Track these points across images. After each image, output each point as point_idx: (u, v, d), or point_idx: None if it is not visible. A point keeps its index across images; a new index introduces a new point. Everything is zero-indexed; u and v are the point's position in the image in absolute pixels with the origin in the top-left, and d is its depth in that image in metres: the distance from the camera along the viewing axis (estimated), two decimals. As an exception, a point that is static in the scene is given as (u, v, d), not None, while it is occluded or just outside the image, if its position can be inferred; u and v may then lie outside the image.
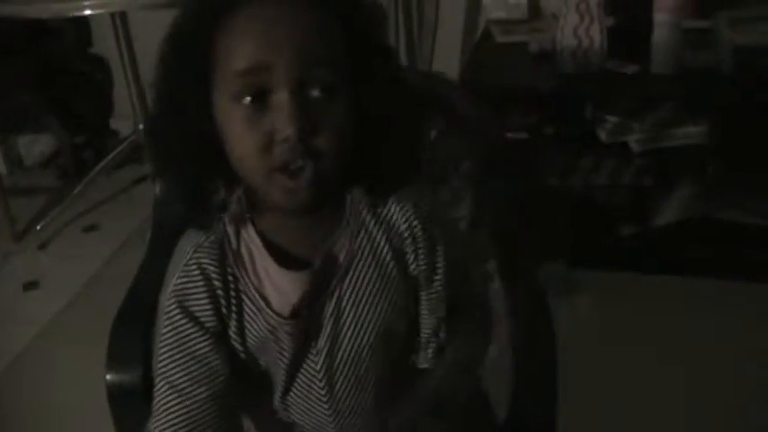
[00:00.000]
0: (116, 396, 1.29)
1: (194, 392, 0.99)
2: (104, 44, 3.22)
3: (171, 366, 1.00)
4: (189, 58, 0.95)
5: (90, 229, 3.03)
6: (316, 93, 0.92)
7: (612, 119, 2.54)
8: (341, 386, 1.06)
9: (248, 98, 0.92)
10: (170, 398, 0.99)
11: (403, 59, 2.86)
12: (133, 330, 1.32)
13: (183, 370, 1.00)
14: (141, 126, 3.02)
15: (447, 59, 2.79)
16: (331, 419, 1.08)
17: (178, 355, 1.00)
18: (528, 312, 1.32)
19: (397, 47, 2.91)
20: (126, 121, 3.27)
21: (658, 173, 2.54)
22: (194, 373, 1.00)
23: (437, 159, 1.57)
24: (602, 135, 2.57)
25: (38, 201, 3.17)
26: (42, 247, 2.96)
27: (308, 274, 1.01)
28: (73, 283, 2.73)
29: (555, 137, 2.60)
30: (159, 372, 1.01)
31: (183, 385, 0.99)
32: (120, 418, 1.28)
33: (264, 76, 0.91)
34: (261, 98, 0.92)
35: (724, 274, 2.48)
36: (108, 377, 1.29)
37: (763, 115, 2.33)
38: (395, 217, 1.05)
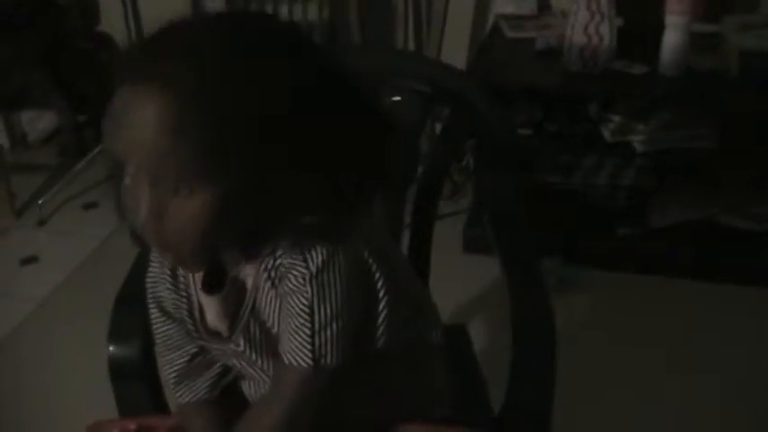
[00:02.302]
0: (116, 368, 1.30)
1: (170, 357, 1.17)
2: (111, 22, 3.21)
3: (157, 342, 1.18)
4: None
5: (90, 206, 3.03)
6: (168, 187, 0.88)
7: (617, 118, 2.55)
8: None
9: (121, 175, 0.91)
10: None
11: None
12: (134, 305, 1.33)
13: (161, 344, 1.18)
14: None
15: (455, 53, 2.79)
16: None
17: (157, 335, 1.17)
18: (528, 308, 1.32)
19: (406, 40, 2.92)
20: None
21: (660, 174, 2.54)
22: (169, 347, 1.17)
23: (440, 152, 1.58)
24: (606, 134, 2.57)
25: (39, 177, 3.17)
26: (42, 223, 2.96)
27: (218, 298, 1.08)
28: (71, 259, 2.74)
29: (559, 134, 2.60)
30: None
31: (163, 353, 1.18)
32: (120, 390, 1.29)
33: (120, 164, 0.90)
34: None
35: (721, 277, 2.50)
36: (110, 350, 1.30)
37: (766, 120, 2.34)
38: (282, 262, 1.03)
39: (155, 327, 1.17)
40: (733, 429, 2.05)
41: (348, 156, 0.94)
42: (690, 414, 2.08)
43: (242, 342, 1.09)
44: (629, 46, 2.39)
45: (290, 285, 1.01)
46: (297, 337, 1.02)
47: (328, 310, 1.01)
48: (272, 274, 1.02)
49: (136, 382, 1.29)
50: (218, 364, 1.18)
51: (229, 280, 1.06)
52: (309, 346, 1.02)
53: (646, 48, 2.36)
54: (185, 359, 1.17)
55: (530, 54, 2.51)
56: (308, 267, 0.99)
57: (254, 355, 1.10)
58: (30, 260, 2.77)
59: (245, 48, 0.89)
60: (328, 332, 1.02)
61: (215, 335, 1.11)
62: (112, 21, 3.16)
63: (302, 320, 1.01)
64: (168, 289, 1.12)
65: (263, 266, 1.03)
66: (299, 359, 1.03)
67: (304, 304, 1.01)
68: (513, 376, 1.28)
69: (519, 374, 1.28)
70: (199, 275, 1.09)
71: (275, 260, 1.02)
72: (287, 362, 1.04)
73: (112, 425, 1.22)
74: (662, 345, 2.29)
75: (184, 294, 1.12)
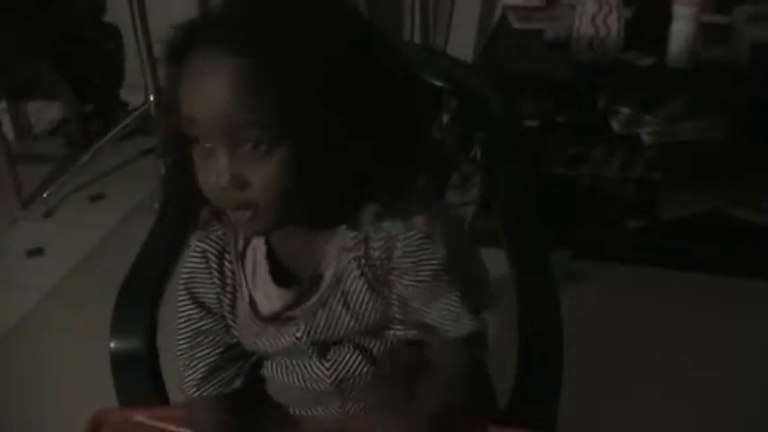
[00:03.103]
0: (119, 363, 1.29)
1: (202, 354, 1.13)
2: (118, 13, 3.20)
3: (182, 341, 1.13)
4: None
5: (96, 198, 3.03)
6: (247, 147, 0.91)
7: (625, 110, 2.53)
8: (336, 358, 1.12)
9: (197, 140, 0.94)
10: (183, 359, 1.14)
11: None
12: (137, 299, 1.33)
13: (191, 341, 1.13)
14: (152, 97, 3.01)
15: (462, 45, 2.78)
16: (331, 387, 1.13)
17: (187, 333, 1.13)
18: (536, 300, 1.32)
19: (413, 31, 2.90)
20: (136, 91, 3.27)
21: (669, 166, 2.53)
22: (201, 344, 1.13)
23: (448, 143, 1.57)
24: (615, 126, 2.56)
25: (45, 168, 3.17)
26: (48, 214, 2.96)
27: (293, 291, 1.07)
28: (77, 250, 2.73)
29: (567, 126, 2.59)
30: (176, 349, 1.14)
31: (193, 351, 1.13)
32: (122, 385, 1.29)
33: (198, 128, 0.92)
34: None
35: (731, 271, 2.47)
36: (112, 345, 1.30)
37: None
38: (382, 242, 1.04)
39: (186, 322, 1.12)
40: (737, 422, 2.03)
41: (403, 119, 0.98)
42: (698, 408, 2.06)
43: (302, 329, 1.08)
44: (637, 37, 2.37)
45: (408, 261, 1.03)
46: (447, 305, 1.06)
47: (460, 267, 1.06)
48: (363, 262, 1.04)
49: (138, 373, 1.28)
50: (246, 356, 1.16)
51: (309, 275, 1.07)
52: (466, 308, 1.07)
53: (654, 39, 2.34)
54: (219, 350, 1.14)
55: (538, 45, 2.50)
56: (416, 234, 1.02)
57: (308, 342, 1.09)
58: (36, 251, 2.77)
59: (313, 11, 0.93)
60: (472, 287, 1.08)
61: (270, 321, 1.09)
62: (118, 11, 3.16)
63: (443, 288, 1.05)
64: (213, 283, 1.10)
65: (349, 259, 1.04)
66: (453, 327, 1.07)
67: (434, 269, 1.03)
68: (521, 370, 1.28)
69: (526, 368, 1.27)
70: (260, 271, 1.08)
71: (367, 249, 1.03)
72: (448, 335, 1.08)
73: (116, 413, 1.21)
74: (671, 338, 2.27)
75: (230, 288, 1.10)
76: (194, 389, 1.14)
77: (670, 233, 2.57)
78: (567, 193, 2.52)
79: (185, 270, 1.12)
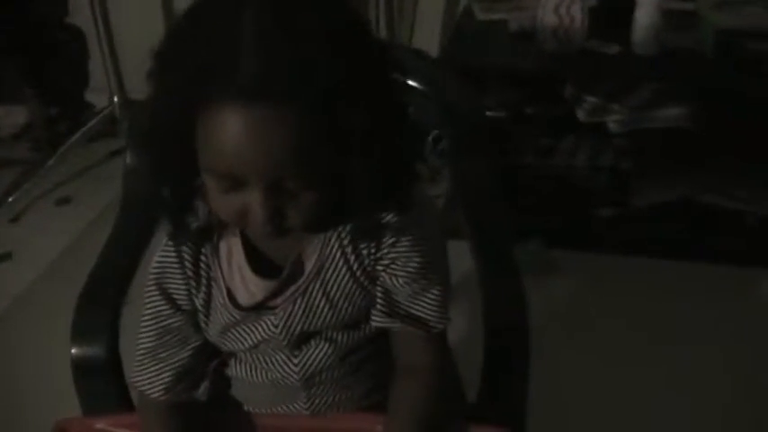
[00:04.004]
0: (80, 370, 1.27)
1: (167, 354, 1.12)
2: (80, 14, 3.17)
3: (147, 337, 1.12)
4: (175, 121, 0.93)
5: (63, 202, 2.99)
6: (290, 185, 0.92)
7: (592, 99, 2.53)
8: (306, 353, 1.12)
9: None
10: (145, 359, 1.13)
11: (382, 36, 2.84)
12: (98, 304, 1.31)
13: (157, 340, 1.12)
14: (116, 99, 2.99)
15: (427, 36, 2.76)
16: (299, 383, 1.14)
17: (153, 329, 1.12)
18: (502, 293, 1.31)
19: (377, 23, 2.88)
20: (101, 93, 3.24)
21: (638, 155, 2.53)
22: (168, 343, 1.12)
23: (414, 136, 1.55)
24: (581, 115, 2.55)
25: (10, 173, 3.11)
26: (15, 219, 2.92)
27: (275, 282, 1.07)
28: (45, 255, 2.70)
29: (535, 116, 2.59)
30: (138, 343, 1.13)
31: (157, 351, 1.12)
32: (84, 392, 1.27)
33: (236, 180, 0.92)
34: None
35: (702, 257, 2.49)
36: (73, 351, 1.28)
37: (743, 99, 2.32)
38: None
39: (153, 318, 1.11)
40: (715, 409, 2.04)
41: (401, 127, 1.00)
42: (677, 394, 2.07)
43: (280, 317, 1.08)
44: (602, 26, 2.37)
45: (398, 252, 1.05)
46: (427, 299, 1.09)
47: (441, 267, 1.11)
48: (349, 251, 1.06)
49: (100, 380, 1.27)
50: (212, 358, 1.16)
51: (290, 263, 1.07)
52: (446, 301, 1.10)
53: (619, 27, 2.34)
54: (189, 354, 1.12)
55: (503, 36, 2.49)
56: (406, 227, 1.05)
57: (284, 333, 1.09)
58: (4, 257, 2.73)
59: (347, 54, 0.90)
60: (447, 288, 1.11)
61: (250, 310, 1.08)
62: (80, 13, 3.13)
63: (429, 281, 1.08)
64: (186, 279, 1.09)
65: (331, 245, 1.06)
66: (437, 320, 1.10)
67: (422, 262, 1.06)
68: (488, 364, 1.27)
69: (493, 364, 1.27)
70: (237, 262, 1.07)
71: (351, 238, 1.05)
72: (428, 325, 1.09)
73: (78, 423, 1.19)
74: (645, 326, 2.27)
75: (205, 282, 1.09)
76: (161, 392, 1.12)
77: (641, 221, 2.58)
78: (538, 184, 2.52)
79: (157, 264, 1.10)
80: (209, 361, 1.16)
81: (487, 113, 2.36)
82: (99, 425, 1.17)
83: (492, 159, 1.45)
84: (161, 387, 1.12)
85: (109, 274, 1.35)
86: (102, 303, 1.29)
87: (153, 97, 0.96)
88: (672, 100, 2.52)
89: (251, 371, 1.16)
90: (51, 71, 3.26)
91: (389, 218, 1.05)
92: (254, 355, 1.15)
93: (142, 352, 1.13)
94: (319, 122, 0.89)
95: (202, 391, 1.16)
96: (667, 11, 2.31)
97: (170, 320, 1.11)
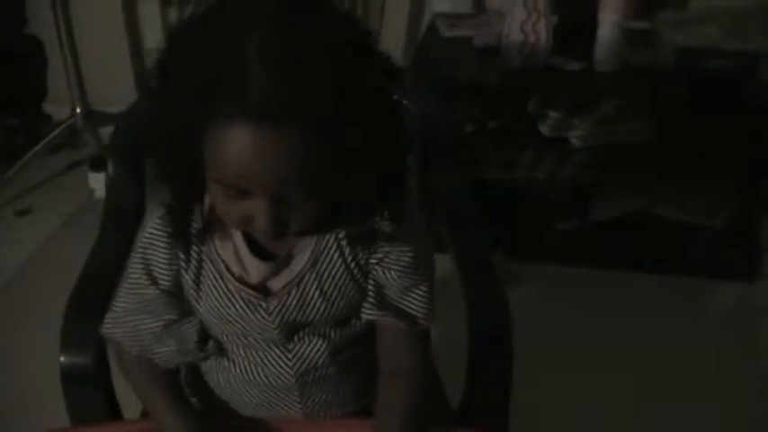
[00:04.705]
0: (69, 379, 1.27)
1: (142, 318, 1.14)
2: (39, 25, 3.15)
3: (123, 301, 1.15)
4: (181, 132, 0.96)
5: (23, 213, 2.96)
6: (292, 196, 0.96)
7: (554, 114, 2.58)
8: (299, 349, 1.15)
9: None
10: (122, 316, 1.15)
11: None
12: (87, 313, 1.30)
13: (133, 305, 1.14)
14: (79, 110, 2.97)
15: (391, 52, 2.79)
16: (293, 380, 1.16)
17: (129, 297, 1.14)
18: (486, 302, 1.34)
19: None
20: (60, 105, 3.22)
21: (599, 169, 2.58)
22: (143, 310, 1.14)
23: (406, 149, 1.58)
24: (544, 130, 2.60)
25: (-31, 184, 3.08)
26: (-26, 231, 2.88)
27: (271, 265, 1.09)
28: (5, 268, 2.66)
29: (500, 131, 2.63)
30: (114, 303, 1.16)
31: (134, 312, 1.14)
32: (72, 401, 1.27)
33: (242, 190, 0.96)
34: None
35: (660, 269, 2.56)
36: (62, 359, 1.27)
37: (701, 115, 2.39)
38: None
39: (132, 289, 1.14)
40: (674, 413, 2.09)
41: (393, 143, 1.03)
42: (633, 404, 2.12)
43: (274, 306, 1.10)
44: (566, 43, 2.42)
45: (391, 248, 1.10)
46: (416, 294, 1.13)
47: (428, 263, 1.14)
48: (345, 244, 1.09)
49: (88, 389, 1.27)
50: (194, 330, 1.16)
51: (284, 253, 1.09)
52: (431, 303, 1.14)
53: (581, 45, 2.40)
54: (160, 324, 1.14)
55: (468, 52, 2.53)
56: (399, 225, 1.09)
57: (277, 322, 1.11)
58: (-36, 269, 2.69)
59: (346, 69, 0.93)
60: (430, 284, 1.14)
61: (244, 284, 1.10)
62: (40, 24, 3.10)
63: (419, 277, 1.12)
64: (172, 258, 1.11)
65: (327, 238, 1.09)
66: (425, 316, 1.14)
67: (413, 257, 1.11)
68: (471, 371, 1.30)
69: (477, 369, 1.29)
70: (234, 241, 1.09)
71: (347, 233, 1.08)
72: (416, 321, 1.14)
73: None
74: (605, 334, 2.32)
75: (195, 261, 1.11)
76: (136, 349, 1.16)
77: (601, 234, 2.63)
78: (502, 197, 2.55)
79: (146, 237, 1.12)
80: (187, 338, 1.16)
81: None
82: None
83: (468, 171, 1.48)
84: (136, 345, 1.15)
85: (95, 283, 1.35)
86: (89, 312, 1.28)
87: (156, 108, 0.98)
88: (632, 115, 2.58)
89: (246, 369, 1.17)
90: (9, 82, 3.23)
91: (383, 226, 1.08)
92: (248, 352, 1.16)
93: (119, 310, 1.16)
94: (323, 140, 0.92)
95: (176, 363, 1.18)
96: (628, 29, 2.37)
97: (146, 292, 1.13)
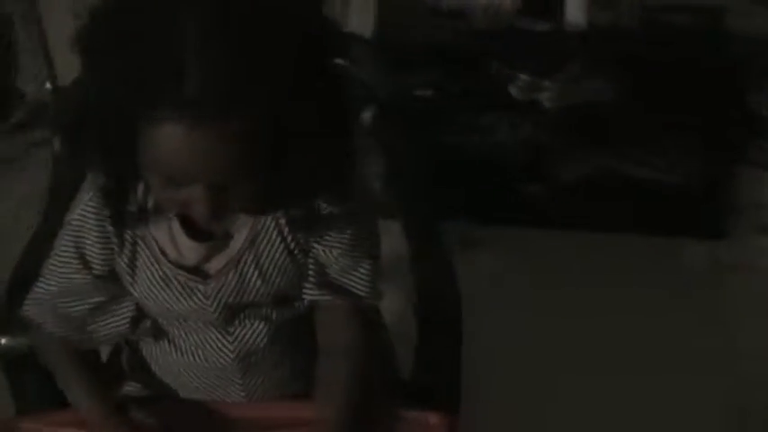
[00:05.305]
0: (10, 364, 1.26)
1: (67, 301, 1.12)
2: (7, 2, 3.11)
3: (48, 284, 1.13)
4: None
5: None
6: (232, 184, 0.94)
7: (524, 76, 2.55)
8: (239, 331, 1.13)
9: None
10: (44, 297, 1.13)
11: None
12: (29, 293, 1.29)
13: (58, 287, 1.12)
14: (49, 85, 2.95)
15: (361, 16, 2.75)
16: (234, 363, 1.15)
17: (57, 279, 1.12)
18: (433, 271, 1.32)
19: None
20: (30, 82, 3.17)
21: (565, 129, 2.55)
22: (69, 292, 1.12)
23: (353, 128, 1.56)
24: (514, 92, 2.57)
25: None
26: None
27: (208, 246, 1.07)
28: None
29: (463, 93, 2.59)
30: (38, 283, 1.14)
31: (57, 297, 1.13)
32: (14, 384, 1.26)
33: (177, 178, 0.93)
34: None
35: (628, 228, 2.54)
36: (3, 342, 1.26)
37: (667, 71, 2.36)
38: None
39: (61, 271, 1.11)
40: (636, 380, 2.07)
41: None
42: (598, 368, 2.09)
43: (212, 287, 1.09)
44: (532, 3, 2.39)
45: (332, 225, 1.07)
46: (359, 272, 1.11)
47: (372, 242, 1.13)
48: (281, 222, 1.07)
49: (30, 373, 1.25)
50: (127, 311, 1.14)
51: (221, 233, 1.08)
52: (378, 276, 1.12)
53: (549, 5, 2.37)
54: (88, 306, 1.12)
55: (433, 14, 2.50)
56: (342, 207, 1.07)
57: (215, 305, 1.09)
58: None
59: (289, 59, 0.89)
60: (374, 261, 1.12)
61: (180, 267, 1.08)
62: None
63: (357, 254, 1.10)
64: (105, 239, 1.08)
65: (268, 219, 1.07)
66: (368, 293, 1.12)
67: (356, 235, 1.09)
68: (421, 341, 1.29)
69: (426, 339, 1.28)
70: (168, 223, 1.07)
71: (287, 212, 1.06)
72: (359, 299, 1.12)
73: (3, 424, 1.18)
74: (571, 299, 2.29)
75: (130, 243, 1.08)
76: (53, 330, 1.14)
77: (567, 194, 2.61)
78: (466, 161, 2.52)
79: (76, 219, 1.10)
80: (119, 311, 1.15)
81: (416, 92, 2.37)
82: (27, 424, 1.15)
83: (414, 136, 1.45)
84: (59, 328, 1.14)
85: (37, 263, 1.33)
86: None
87: (88, 90, 0.94)
88: (600, 75, 2.55)
89: (186, 352, 1.16)
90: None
91: (324, 207, 1.06)
92: (188, 335, 1.15)
93: (42, 293, 1.13)
94: (262, 132, 0.89)
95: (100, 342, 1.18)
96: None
97: (75, 277, 1.11)
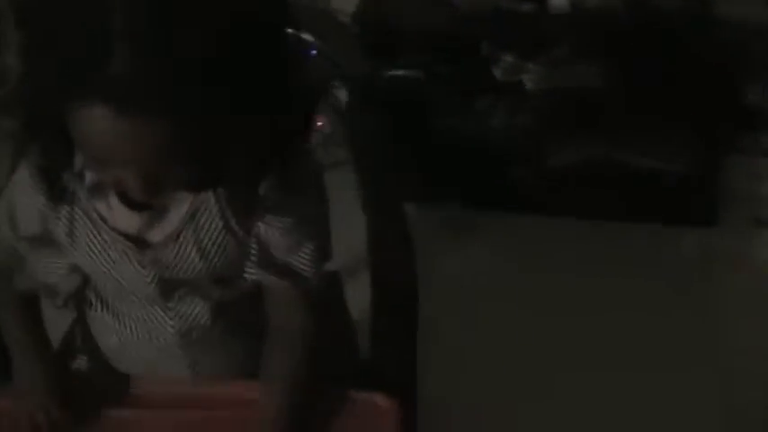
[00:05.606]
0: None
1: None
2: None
3: None
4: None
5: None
6: (164, 168, 0.91)
7: (508, 58, 2.52)
8: (179, 307, 1.13)
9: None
10: None
11: None
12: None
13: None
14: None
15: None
16: (175, 339, 1.15)
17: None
18: (388, 249, 1.31)
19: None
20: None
21: (555, 113, 2.53)
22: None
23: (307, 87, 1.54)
24: (498, 74, 2.54)
25: None
26: None
27: (143, 215, 1.05)
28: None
29: (450, 76, 2.57)
30: None
31: None
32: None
33: (107, 166, 0.91)
34: None
35: (618, 215, 2.50)
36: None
37: (656, 57, 2.34)
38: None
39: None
40: (626, 368, 2.06)
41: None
42: (588, 356, 2.08)
43: (149, 258, 1.07)
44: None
45: (275, 201, 1.04)
46: (302, 253, 1.08)
47: (319, 225, 1.11)
48: (222, 198, 1.04)
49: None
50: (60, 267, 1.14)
51: (161, 201, 1.04)
52: (319, 261, 1.10)
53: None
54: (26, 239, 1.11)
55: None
56: (286, 179, 1.03)
57: (151, 276, 1.08)
58: None
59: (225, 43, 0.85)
60: (324, 248, 1.11)
61: (119, 233, 1.06)
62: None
63: (300, 235, 1.07)
64: (45, 202, 1.05)
65: (207, 195, 1.04)
66: (311, 274, 1.09)
67: (300, 214, 1.06)
68: (376, 323, 1.27)
69: (381, 320, 1.27)
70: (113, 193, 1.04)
71: (228, 192, 1.04)
72: (302, 279, 1.09)
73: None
74: (561, 286, 2.27)
75: (67, 209, 1.05)
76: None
77: (557, 180, 2.58)
78: (454, 145, 2.50)
79: (11, 185, 1.09)
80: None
81: (402, 73, 2.35)
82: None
83: (381, 117, 1.44)
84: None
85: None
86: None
87: (23, 67, 0.91)
88: (587, 58, 2.52)
89: (130, 328, 1.16)
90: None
91: (267, 190, 1.03)
92: (130, 309, 1.14)
93: None
94: (196, 118, 0.85)
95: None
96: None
97: (6, 241, 1.11)
